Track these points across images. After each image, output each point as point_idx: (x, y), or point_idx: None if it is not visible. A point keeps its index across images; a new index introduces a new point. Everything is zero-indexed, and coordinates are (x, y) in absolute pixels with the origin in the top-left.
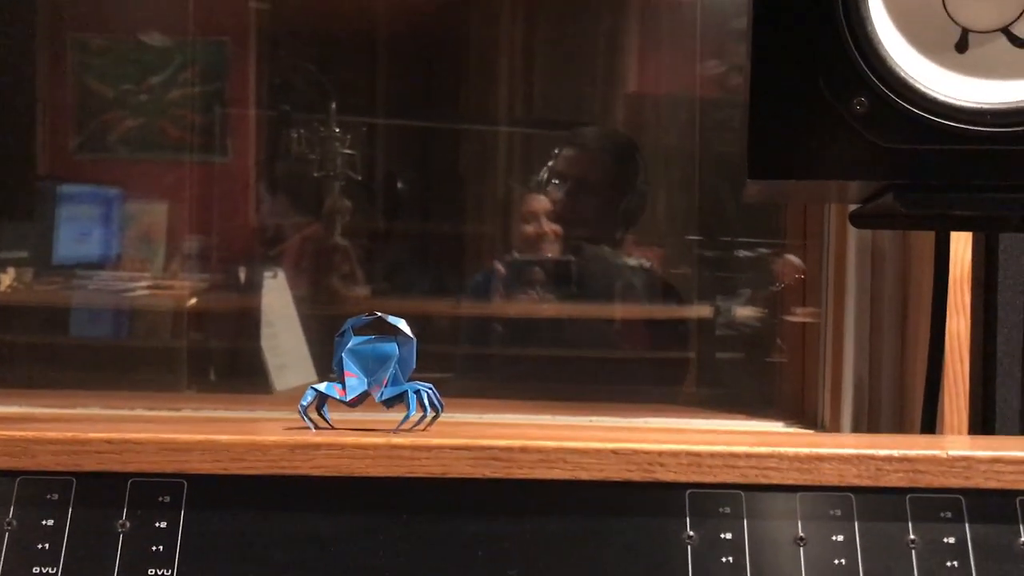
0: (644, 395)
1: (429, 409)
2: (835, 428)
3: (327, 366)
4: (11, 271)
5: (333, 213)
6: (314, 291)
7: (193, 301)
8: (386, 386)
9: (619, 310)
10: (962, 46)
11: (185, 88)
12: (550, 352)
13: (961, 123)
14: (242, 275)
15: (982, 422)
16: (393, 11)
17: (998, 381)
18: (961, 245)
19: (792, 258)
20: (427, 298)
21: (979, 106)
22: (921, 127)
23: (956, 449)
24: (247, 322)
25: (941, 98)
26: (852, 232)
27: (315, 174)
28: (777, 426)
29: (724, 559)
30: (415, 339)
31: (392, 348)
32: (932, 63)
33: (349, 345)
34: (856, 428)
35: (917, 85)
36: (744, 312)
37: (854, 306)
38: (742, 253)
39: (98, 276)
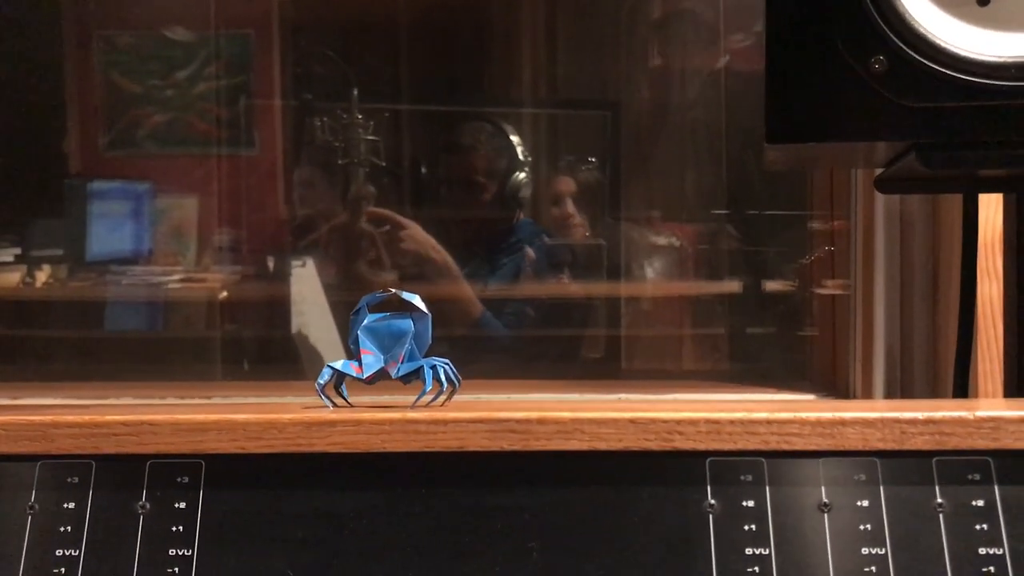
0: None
1: (446, 384)
2: (867, 399)
3: None
4: (46, 268)
5: (358, 200)
6: (342, 278)
7: (225, 294)
8: (402, 362)
9: (650, 288)
10: None
11: (211, 81)
12: (578, 332)
13: (984, 78)
14: (272, 266)
15: (1017, 387)
16: None
17: None
18: (992, 209)
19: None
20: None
21: (1002, 60)
22: (942, 84)
23: (983, 410)
24: (278, 312)
25: (962, 53)
26: (880, 200)
27: (339, 161)
28: (809, 399)
29: (747, 527)
30: (430, 314)
31: (407, 324)
32: (952, 17)
33: (364, 322)
34: (889, 398)
35: (937, 41)
36: (773, 286)
37: (884, 275)
38: (770, 226)
39: (131, 271)
